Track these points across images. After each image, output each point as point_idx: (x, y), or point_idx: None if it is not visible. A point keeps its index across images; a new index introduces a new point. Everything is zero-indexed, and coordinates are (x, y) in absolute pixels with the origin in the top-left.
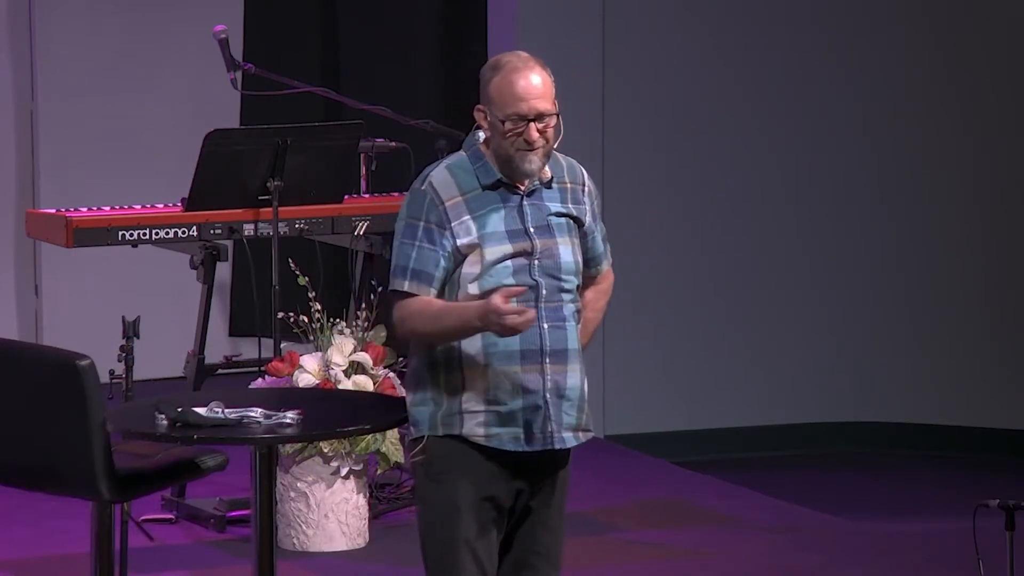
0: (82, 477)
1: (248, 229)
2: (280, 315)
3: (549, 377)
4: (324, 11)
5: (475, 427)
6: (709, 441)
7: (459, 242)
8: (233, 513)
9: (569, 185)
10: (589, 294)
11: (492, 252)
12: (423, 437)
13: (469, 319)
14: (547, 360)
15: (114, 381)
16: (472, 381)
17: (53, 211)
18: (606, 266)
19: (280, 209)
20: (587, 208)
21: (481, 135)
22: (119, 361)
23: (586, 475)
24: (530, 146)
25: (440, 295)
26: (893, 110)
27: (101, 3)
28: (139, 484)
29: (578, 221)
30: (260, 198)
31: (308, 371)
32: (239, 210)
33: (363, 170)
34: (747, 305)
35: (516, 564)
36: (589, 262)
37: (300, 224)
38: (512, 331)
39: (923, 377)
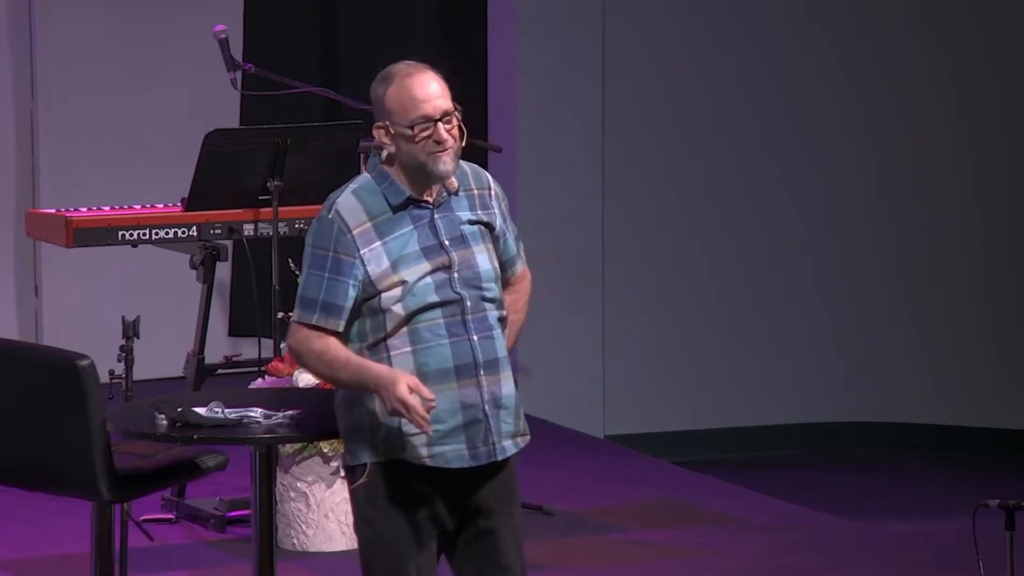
0: (82, 477)
1: (248, 229)
2: (280, 315)
3: (486, 389)
4: (324, 11)
5: (418, 448)
6: (709, 441)
7: (371, 271)
8: (233, 513)
9: (476, 191)
10: (508, 297)
11: (411, 273)
12: (365, 465)
13: (365, 382)
14: (481, 372)
15: (114, 381)
16: None
17: (53, 211)
18: (520, 266)
19: (280, 209)
20: (496, 211)
21: (384, 154)
22: (119, 361)
23: (586, 475)
24: (441, 146)
25: (357, 318)
26: (893, 110)
27: (101, 3)
28: (139, 484)
29: (489, 226)
30: (260, 198)
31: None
32: (239, 210)
33: (363, 170)
34: (747, 305)
35: None
36: (503, 265)
37: (300, 224)
38: (400, 415)
39: (923, 377)
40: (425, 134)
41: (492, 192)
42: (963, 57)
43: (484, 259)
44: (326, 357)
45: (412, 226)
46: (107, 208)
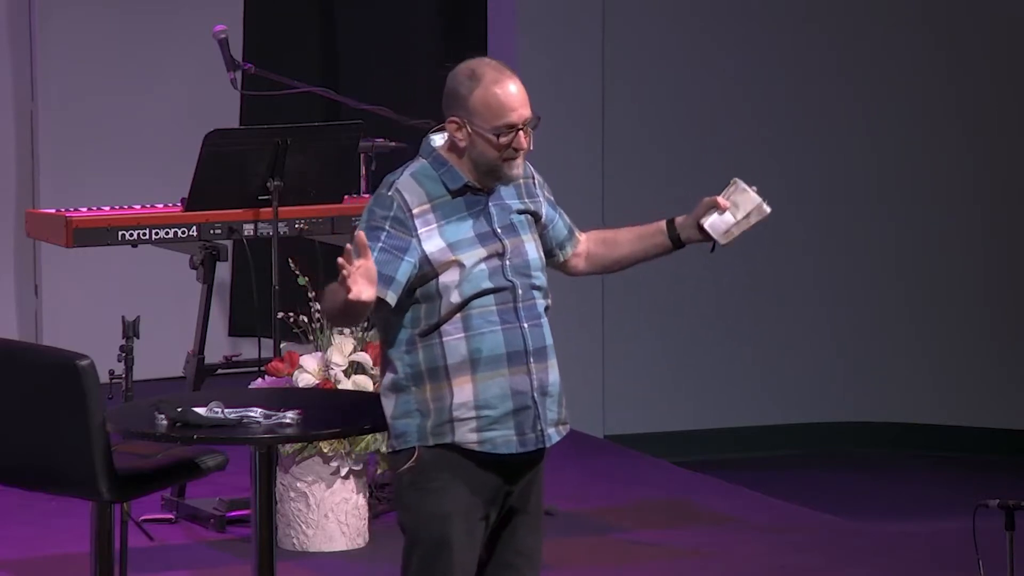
0: (82, 477)
1: (248, 229)
2: (280, 315)
3: (535, 376)
4: (323, 11)
5: (467, 433)
6: (709, 441)
7: (427, 249)
8: (233, 513)
9: (522, 181)
10: (604, 236)
11: (467, 258)
12: (413, 449)
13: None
14: (531, 359)
15: (114, 381)
16: (460, 388)
17: (53, 211)
18: (578, 232)
19: (280, 209)
20: (541, 199)
21: (438, 140)
22: (119, 361)
23: (586, 475)
24: (518, 153)
25: (412, 304)
26: (893, 110)
27: (101, 3)
28: (139, 484)
29: (536, 215)
30: (260, 198)
31: (308, 371)
32: (239, 210)
33: (363, 170)
34: (747, 305)
35: (499, 565)
36: (564, 244)
37: (300, 224)
38: (347, 288)
39: (923, 377)
40: (506, 140)
41: (536, 180)
42: (963, 57)
43: (532, 248)
44: (333, 289)
45: (467, 212)
46: (107, 208)
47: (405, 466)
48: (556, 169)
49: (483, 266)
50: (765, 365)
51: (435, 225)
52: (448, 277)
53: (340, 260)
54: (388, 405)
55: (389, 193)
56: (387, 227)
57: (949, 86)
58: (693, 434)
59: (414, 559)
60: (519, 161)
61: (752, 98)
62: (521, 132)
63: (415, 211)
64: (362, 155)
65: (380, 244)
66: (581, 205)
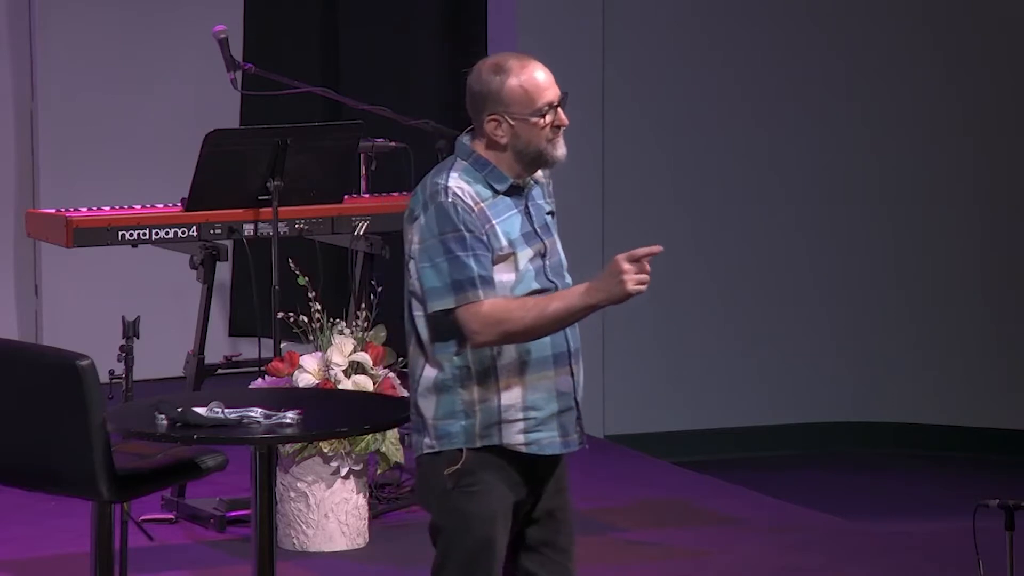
0: (82, 477)
1: (248, 229)
2: (280, 315)
3: (576, 377)
4: (324, 11)
5: (515, 435)
6: (709, 441)
7: (494, 246)
8: (233, 513)
9: (543, 181)
10: None
11: (522, 257)
12: (459, 451)
13: (585, 299)
14: (573, 360)
15: (114, 381)
16: (509, 389)
17: (53, 211)
18: None
19: (280, 209)
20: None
21: (467, 140)
22: (119, 361)
23: (586, 475)
24: (560, 130)
25: None
26: (893, 110)
27: (101, 3)
28: (139, 484)
29: (554, 216)
30: (260, 198)
31: (308, 371)
32: (239, 210)
33: (363, 170)
34: (747, 305)
35: (539, 561)
36: None
37: (300, 224)
38: (629, 294)
39: (923, 377)
40: (550, 119)
41: (551, 183)
42: (963, 57)
43: (560, 248)
44: (528, 305)
45: (513, 212)
46: (107, 208)
47: (451, 469)
48: (556, 169)
49: (531, 266)
50: (765, 365)
51: (494, 222)
52: (502, 276)
53: (628, 266)
54: (429, 405)
55: (449, 200)
56: (464, 232)
57: (949, 86)
58: (693, 434)
59: (453, 560)
60: (561, 141)
61: (752, 98)
62: (560, 108)
63: (476, 210)
64: (362, 155)
65: (471, 251)
66: (581, 205)
